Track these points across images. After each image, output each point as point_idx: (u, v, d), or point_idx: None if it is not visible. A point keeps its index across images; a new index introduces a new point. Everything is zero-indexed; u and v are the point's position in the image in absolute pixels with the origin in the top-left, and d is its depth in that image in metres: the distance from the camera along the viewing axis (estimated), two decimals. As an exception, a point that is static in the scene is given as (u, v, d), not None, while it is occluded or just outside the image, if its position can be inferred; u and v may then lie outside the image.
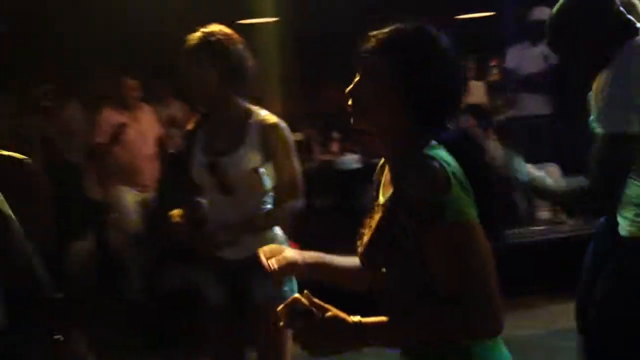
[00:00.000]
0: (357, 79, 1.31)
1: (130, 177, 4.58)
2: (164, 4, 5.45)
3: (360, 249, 1.36)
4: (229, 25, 2.33)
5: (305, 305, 1.21)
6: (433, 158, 1.21)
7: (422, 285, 1.22)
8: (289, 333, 2.12)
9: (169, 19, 5.12)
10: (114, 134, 4.41)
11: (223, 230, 2.23)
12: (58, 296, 1.50)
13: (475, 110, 4.82)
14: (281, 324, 1.24)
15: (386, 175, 1.38)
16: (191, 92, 2.32)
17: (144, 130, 4.61)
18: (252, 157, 2.28)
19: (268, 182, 2.33)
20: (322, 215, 4.63)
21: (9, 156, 1.46)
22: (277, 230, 2.39)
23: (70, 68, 5.39)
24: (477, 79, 5.85)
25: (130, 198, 4.58)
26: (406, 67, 1.25)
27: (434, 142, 1.27)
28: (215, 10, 4.77)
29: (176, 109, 5.17)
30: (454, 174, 1.20)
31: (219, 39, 2.25)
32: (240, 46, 2.28)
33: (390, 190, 1.31)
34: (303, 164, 2.52)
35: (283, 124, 2.33)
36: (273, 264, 1.45)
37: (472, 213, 1.20)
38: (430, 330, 1.20)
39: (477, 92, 5.64)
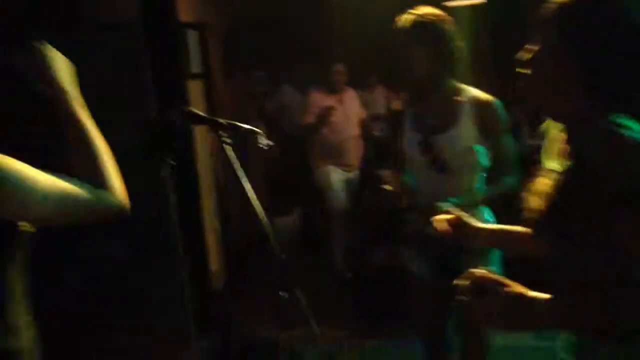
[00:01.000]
0: (535, 47, 1.23)
1: (336, 156, 4.81)
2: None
3: (530, 216, 1.31)
4: (436, 7, 2.35)
5: (489, 280, 1.19)
6: (626, 129, 1.09)
7: (605, 262, 1.14)
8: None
9: (378, 4, 5.23)
10: (321, 115, 4.67)
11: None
12: (283, 257, 1.62)
13: None
14: (462, 298, 1.23)
15: (552, 140, 1.30)
16: (403, 73, 2.36)
17: (348, 112, 4.80)
18: (467, 135, 2.28)
19: (484, 160, 2.33)
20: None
21: (250, 129, 1.63)
22: (486, 210, 2.38)
23: (285, 55, 5.79)
24: None
25: (336, 177, 4.82)
26: (585, 44, 1.11)
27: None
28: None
29: (380, 95, 5.31)
30: None
31: (431, 20, 2.28)
32: (451, 27, 2.31)
33: (563, 158, 1.22)
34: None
35: (497, 102, 2.32)
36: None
37: None
38: (615, 313, 1.10)
39: None
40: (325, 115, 4.64)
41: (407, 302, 2.62)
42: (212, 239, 4.40)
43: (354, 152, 4.90)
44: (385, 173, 2.42)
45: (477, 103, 2.29)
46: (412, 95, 2.44)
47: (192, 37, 4.17)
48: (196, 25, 4.33)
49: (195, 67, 4.22)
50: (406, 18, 2.30)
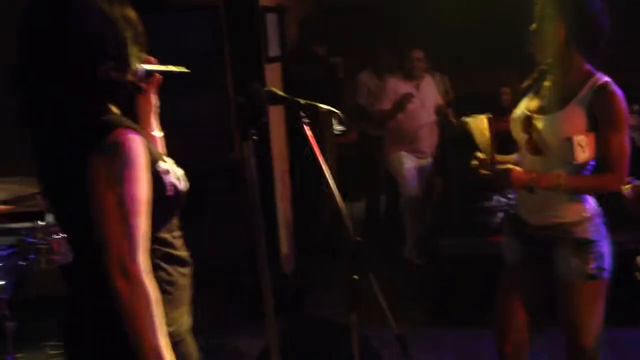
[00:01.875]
0: None
1: (410, 143, 4.76)
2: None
3: None
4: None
5: None
6: None
7: None
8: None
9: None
10: (399, 102, 4.61)
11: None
12: (358, 239, 1.61)
13: None
14: None
15: None
16: (535, 48, 2.18)
17: (424, 99, 4.73)
18: (572, 123, 2.12)
19: (583, 156, 2.12)
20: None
21: (328, 109, 1.63)
22: (590, 201, 2.23)
23: (363, 41, 5.73)
24: None
25: (409, 163, 4.76)
26: None
27: None
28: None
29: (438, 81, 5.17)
30: None
31: None
32: (597, 3, 2.10)
33: None
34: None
35: (618, 92, 2.10)
36: None
37: None
38: None
39: None
40: (402, 102, 4.59)
41: (478, 291, 2.55)
42: (283, 220, 4.45)
43: (429, 139, 4.83)
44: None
45: (599, 92, 2.09)
46: (540, 72, 2.27)
47: (272, 20, 4.20)
48: (276, 9, 4.36)
49: (274, 50, 4.25)
50: None
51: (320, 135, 1.65)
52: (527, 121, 2.21)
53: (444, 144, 5.02)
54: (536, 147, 2.19)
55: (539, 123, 2.18)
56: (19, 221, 2.48)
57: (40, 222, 2.47)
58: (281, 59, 4.52)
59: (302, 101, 1.69)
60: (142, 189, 1.34)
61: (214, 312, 3.55)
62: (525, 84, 2.34)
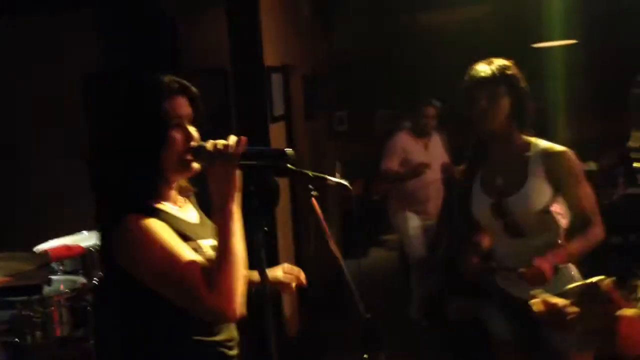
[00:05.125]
0: None
1: (416, 203, 4.65)
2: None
3: None
4: (525, 50, 2.28)
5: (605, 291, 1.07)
6: None
7: None
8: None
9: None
10: (413, 171, 4.49)
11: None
12: (367, 316, 1.56)
13: None
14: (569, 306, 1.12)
15: None
16: (477, 124, 2.25)
17: (431, 158, 4.61)
18: (539, 194, 2.15)
19: (564, 222, 2.17)
20: (621, 254, 4.11)
21: (337, 182, 1.58)
22: (573, 269, 2.23)
23: (364, 97, 5.80)
24: None
25: (414, 223, 4.66)
26: None
27: None
28: (510, 34, 4.67)
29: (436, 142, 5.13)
30: None
31: (514, 73, 2.21)
32: (523, 79, 2.23)
33: None
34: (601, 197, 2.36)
35: (568, 152, 2.18)
36: None
37: None
38: None
39: None
40: (416, 172, 4.47)
41: (483, 355, 2.49)
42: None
43: (434, 199, 4.70)
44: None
45: (548, 155, 2.16)
46: (476, 154, 2.34)
47: (276, 80, 4.22)
48: (280, 69, 4.39)
49: (278, 109, 4.26)
50: (487, 68, 2.20)
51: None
52: (497, 207, 2.21)
53: (450, 201, 4.94)
54: (515, 228, 2.19)
55: (509, 204, 2.18)
56: (15, 295, 2.41)
57: (35, 296, 2.40)
58: (285, 118, 4.52)
59: (311, 174, 1.64)
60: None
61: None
62: (463, 167, 2.41)
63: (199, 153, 1.49)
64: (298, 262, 4.75)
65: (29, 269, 2.33)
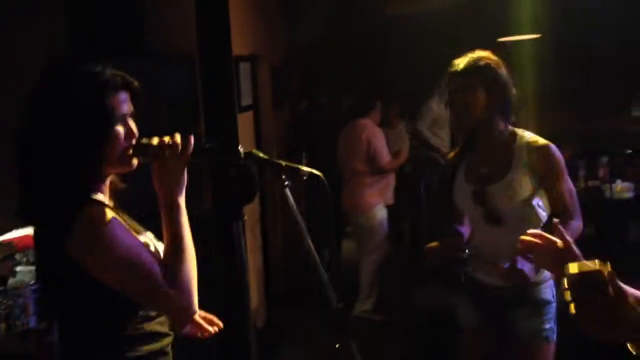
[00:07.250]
0: None
1: (381, 193, 4.64)
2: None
3: None
4: (491, 44, 2.31)
5: (604, 279, 1.06)
6: None
7: None
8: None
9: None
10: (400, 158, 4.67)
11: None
12: (339, 306, 1.56)
13: None
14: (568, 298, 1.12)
15: None
16: (456, 117, 2.28)
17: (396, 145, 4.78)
18: (521, 185, 2.18)
19: (543, 214, 2.20)
20: (584, 246, 4.20)
21: (310, 172, 1.58)
22: None
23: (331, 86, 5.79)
24: None
25: (382, 213, 4.64)
26: None
27: None
28: (477, 29, 4.72)
29: (402, 130, 5.20)
30: None
31: (487, 64, 2.22)
32: (504, 70, 2.24)
33: None
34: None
35: (552, 146, 2.21)
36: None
37: None
38: None
39: None
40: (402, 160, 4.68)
41: (453, 349, 2.52)
42: (252, 271, 4.33)
43: (392, 188, 4.77)
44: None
45: (532, 148, 2.19)
46: (465, 141, 2.36)
47: (244, 69, 4.18)
48: (248, 58, 4.34)
49: (246, 99, 4.22)
50: (461, 61, 2.23)
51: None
52: (479, 193, 2.24)
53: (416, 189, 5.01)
54: (494, 217, 2.21)
55: (489, 193, 2.21)
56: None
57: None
58: (253, 107, 4.48)
59: (283, 163, 1.63)
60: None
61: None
62: (451, 154, 2.43)
63: (144, 150, 1.46)
64: (265, 252, 4.74)
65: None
